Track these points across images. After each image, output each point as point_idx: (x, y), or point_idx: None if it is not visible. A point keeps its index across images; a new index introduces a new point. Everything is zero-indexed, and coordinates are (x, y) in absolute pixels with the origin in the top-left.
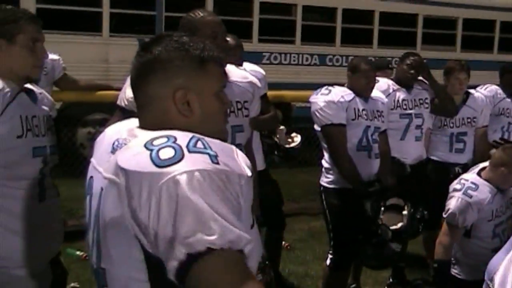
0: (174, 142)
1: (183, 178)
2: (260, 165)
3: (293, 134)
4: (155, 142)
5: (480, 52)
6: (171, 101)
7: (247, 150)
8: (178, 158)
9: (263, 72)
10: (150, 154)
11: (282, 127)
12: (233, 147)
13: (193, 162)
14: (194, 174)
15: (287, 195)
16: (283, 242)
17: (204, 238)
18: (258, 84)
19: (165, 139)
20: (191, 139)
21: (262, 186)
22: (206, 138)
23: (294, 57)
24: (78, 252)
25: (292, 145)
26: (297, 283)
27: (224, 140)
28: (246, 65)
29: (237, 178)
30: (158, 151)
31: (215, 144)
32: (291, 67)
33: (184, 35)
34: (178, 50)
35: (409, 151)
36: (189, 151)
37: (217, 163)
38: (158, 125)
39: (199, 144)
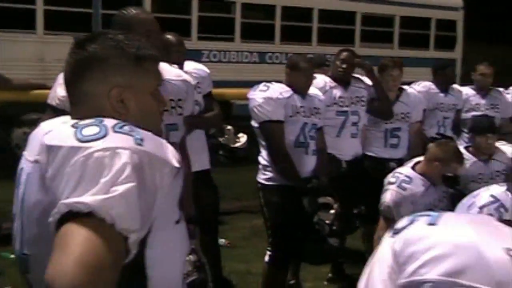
0: (101, 122)
1: (99, 154)
2: (205, 165)
3: (240, 134)
4: (81, 122)
5: (417, 49)
6: (106, 99)
7: (182, 149)
8: (101, 135)
9: (207, 71)
10: (75, 131)
11: (229, 127)
12: (164, 141)
13: (115, 140)
14: (115, 151)
15: (231, 193)
16: (224, 240)
17: (84, 200)
18: (192, 82)
19: (92, 120)
20: (119, 122)
21: (202, 187)
22: (136, 127)
23: (233, 54)
24: (12, 256)
25: (237, 145)
26: (239, 281)
27: None
28: (190, 63)
29: (160, 164)
30: (82, 128)
31: (145, 133)
32: (231, 65)
33: (119, 33)
34: (113, 48)
35: (345, 147)
36: (114, 131)
37: (141, 145)
38: None
39: (127, 127)
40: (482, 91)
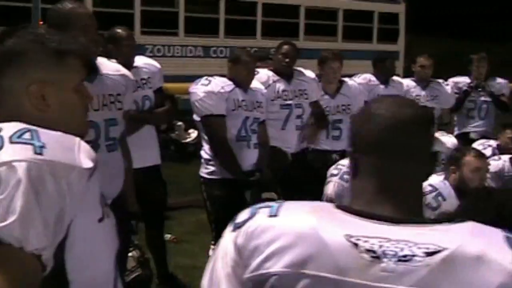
0: None
1: None
2: (155, 160)
3: (190, 130)
4: None
5: (360, 42)
6: (25, 96)
7: (122, 144)
8: None
9: (158, 66)
10: None
11: (180, 122)
12: (77, 139)
13: (12, 152)
14: (10, 165)
15: (179, 188)
16: (170, 235)
17: None
18: (131, 77)
19: None
20: (18, 130)
21: (152, 182)
22: (41, 130)
23: (177, 49)
24: None
25: (188, 140)
26: (185, 275)
27: (83, 135)
28: (140, 58)
29: (64, 170)
30: None
31: (50, 135)
32: (175, 60)
33: (41, 27)
34: (33, 42)
35: (290, 140)
36: (11, 142)
37: (41, 154)
38: (12, 119)
39: (26, 135)
40: (422, 82)
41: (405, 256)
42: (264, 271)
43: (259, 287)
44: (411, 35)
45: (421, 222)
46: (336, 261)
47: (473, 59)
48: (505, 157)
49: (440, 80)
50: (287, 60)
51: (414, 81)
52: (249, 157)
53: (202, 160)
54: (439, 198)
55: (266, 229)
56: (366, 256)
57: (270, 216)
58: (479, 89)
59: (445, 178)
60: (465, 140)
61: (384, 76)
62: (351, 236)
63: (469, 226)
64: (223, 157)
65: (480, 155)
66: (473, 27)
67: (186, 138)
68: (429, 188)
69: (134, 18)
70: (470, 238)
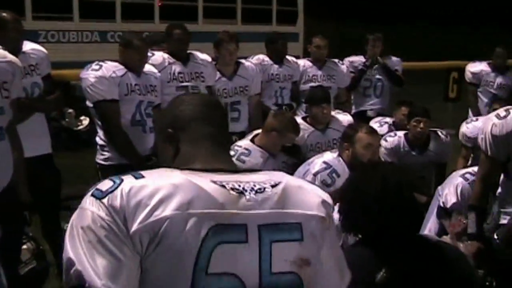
0: None
1: None
2: (46, 149)
3: (82, 117)
4: None
5: (260, 24)
6: None
7: (10, 133)
8: None
9: (45, 51)
10: None
11: (70, 110)
12: None
13: None
14: None
15: (75, 177)
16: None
17: None
18: (19, 63)
19: None
20: None
21: (44, 171)
22: None
23: (73, 34)
24: None
25: (80, 127)
26: None
27: None
28: (28, 44)
29: None
30: None
31: None
32: (71, 45)
33: None
34: None
35: None
36: None
37: None
38: None
39: None
40: (319, 62)
41: (259, 189)
42: (156, 218)
43: (152, 234)
44: (311, 17)
45: (245, 171)
46: (214, 198)
47: (368, 39)
48: (400, 133)
49: (336, 60)
50: (180, 44)
51: (310, 61)
52: (145, 142)
53: (98, 147)
54: (334, 175)
55: (141, 188)
56: (233, 192)
57: (137, 179)
58: (375, 66)
59: (339, 155)
60: (362, 118)
61: (276, 56)
62: (216, 181)
63: (282, 172)
64: (118, 143)
65: (372, 131)
66: (372, 9)
67: (78, 126)
68: (323, 165)
69: (24, 3)
70: (288, 176)
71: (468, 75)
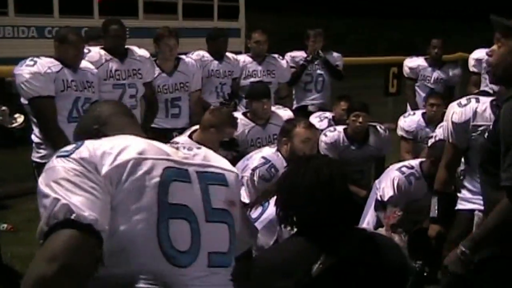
0: None
1: None
2: None
3: (16, 115)
4: None
5: (202, 19)
6: None
7: None
8: None
9: None
10: None
11: (4, 107)
12: None
13: None
14: None
15: (12, 176)
16: (6, 225)
17: None
18: None
19: None
20: None
21: None
22: None
23: (8, 30)
24: None
25: (14, 125)
26: (23, 265)
27: None
28: None
29: None
30: None
31: None
32: (7, 41)
33: None
34: None
35: None
36: None
37: None
38: None
39: None
40: (258, 58)
41: (189, 148)
42: (121, 161)
43: (120, 174)
44: (253, 12)
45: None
46: (162, 149)
47: (309, 35)
48: (340, 128)
49: (276, 55)
50: (116, 40)
51: (250, 56)
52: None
53: (34, 145)
54: (272, 169)
55: (101, 144)
56: (173, 146)
57: (95, 141)
58: (315, 60)
59: (278, 150)
60: (303, 113)
61: (217, 53)
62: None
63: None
64: (54, 140)
65: (309, 126)
66: (314, 3)
67: (13, 123)
68: (262, 161)
69: None
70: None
71: (405, 70)
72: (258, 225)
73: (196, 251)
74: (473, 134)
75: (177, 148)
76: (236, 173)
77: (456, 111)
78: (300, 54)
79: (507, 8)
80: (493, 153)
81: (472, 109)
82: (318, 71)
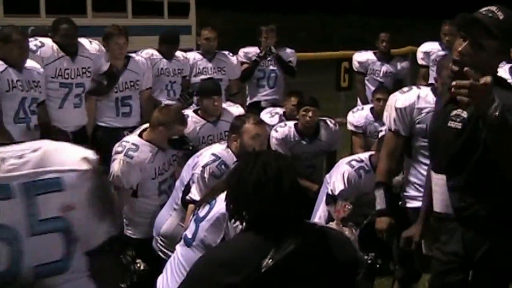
0: None
1: None
2: None
3: None
4: None
5: (152, 17)
6: None
7: None
8: None
9: None
10: None
11: None
12: None
13: None
14: None
15: None
16: None
17: None
18: None
19: None
20: None
21: None
22: None
23: None
24: None
25: None
26: None
27: None
28: None
29: None
30: None
31: None
32: None
33: None
34: None
35: (68, 119)
36: None
37: None
38: None
39: None
40: (209, 55)
41: (20, 156)
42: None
43: None
44: (205, 9)
45: (7, 144)
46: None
47: (262, 30)
48: (291, 123)
49: (226, 52)
50: (67, 39)
51: (200, 53)
52: (31, 139)
53: None
54: (223, 166)
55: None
56: None
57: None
58: (268, 56)
59: (228, 147)
60: (256, 108)
61: (167, 52)
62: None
63: (45, 140)
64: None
65: (259, 122)
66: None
67: None
68: (212, 157)
69: None
70: (49, 141)
71: (355, 64)
72: (206, 223)
73: (17, 269)
74: (418, 117)
75: (2, 160)
76: (83, 170)
77: (399, 98)
78: (253, 50)
79: (455, 3)
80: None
81: (415, 93)
82: (271, 67)
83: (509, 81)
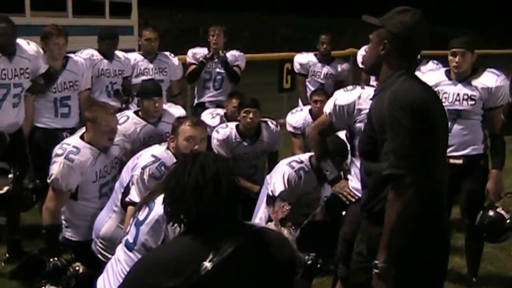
0: None
1: None
2: None
3: None
4: None
5: (93, 17)
6: None
7: None
8: None
9: None
10: None
11: None
12: None
13: None
14: None
15: None
16: None
17: None
18: None
19: None
20: None
21: None
22: None
23: None
24: None
25: None
26: None
27: None
28: None
29: None
30: None
31: None
32: None
33: None
34: None
35: (6, 119)
36: None
37: None
38: None
39: None
40: (150, 55)
41: None
42: None
43: None
44: (147, 8)
45: None
46: None
47: (209, 31)
48: (232, 124)
49: (167, 53)
50: (4, 38)
51: (141, 54)
52: None
53: None
54: (162, 167)
55: None
56: None
57: None
58: (214, 57)
59: (168, 148)
60: (202, 109)
61: (107, 52)
62: None
63: None
64: None
65: (195, 124)
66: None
67: None
68: (152, 159)
69: None
70: None
71: (296, 66)
72: (145, 227)
73: None
74: (358, 117)
75: None
76: None
77: (341, 95)
78: (201, 51)
79: (397, 5)
80: (368, 144)
81: (357, 93)
82: (217, 69)
83: (445, 83)
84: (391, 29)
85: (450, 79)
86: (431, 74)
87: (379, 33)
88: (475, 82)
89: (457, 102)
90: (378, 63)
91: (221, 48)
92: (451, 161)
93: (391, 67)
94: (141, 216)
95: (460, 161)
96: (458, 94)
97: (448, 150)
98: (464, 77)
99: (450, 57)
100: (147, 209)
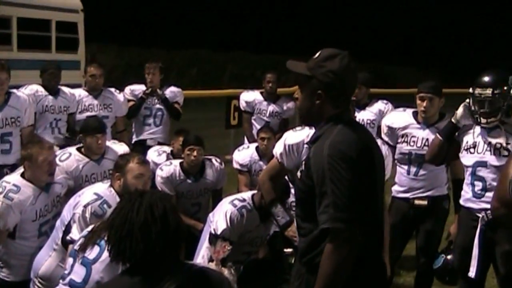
0: None
1: None
2: None
3: None
4: None
5: (39, 51)
6: None
7: None
8: None
9: None
10: None
11: None
12: None
13: None
14: None
15: None
16: None
17: None
18: None
19: None
20: None
21: None
22: None
23: None
24: None
25: None
26: None
27: None
28: None
29: None
30: None
31: None
32: None
33: None
34: None
35: None
36: None
37: None
38: None
39: None
40: (94, 91)
41: None
42: None
43: None
44: (95, 44)
45: None
46: None
47: (145, 68)
48: (176, 162)
49: (113, 89)
50: None
51: (85, 90)
52: None
53: None
54: (105, 205)
55: None
56: None
57: None
58: (154, 96)
59: (111, 185)
60: (142, 147)
61: (50, 86)
62: None
63: None
64: None
65: (143, 161)
66: (156, 34)
67: None
68: (94, 197)
69: None
70: None
71: (242, 104)
72: (100, 265)
73: None
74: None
75: None
76: None
77: (290, 135)
78: (139, 88)
79: (349, 44)
80: (305, 193)
81: (306, 133)
82: (157, 106)
83: (413, 127)
84: (322, 79)
85: (418, 122)
86: (397, 115)
87: (310, 84)
88: None
89: (425, 147)
90: (314, 113)
91: (158, 85)
92: (416, 202)
93: (327, 113)
94: (90, 255)
95: (425, 202)
96: (427, 140)
97: (414, 192)
98: (432, 122)
99: (418, 101)
100: (97, 248)
